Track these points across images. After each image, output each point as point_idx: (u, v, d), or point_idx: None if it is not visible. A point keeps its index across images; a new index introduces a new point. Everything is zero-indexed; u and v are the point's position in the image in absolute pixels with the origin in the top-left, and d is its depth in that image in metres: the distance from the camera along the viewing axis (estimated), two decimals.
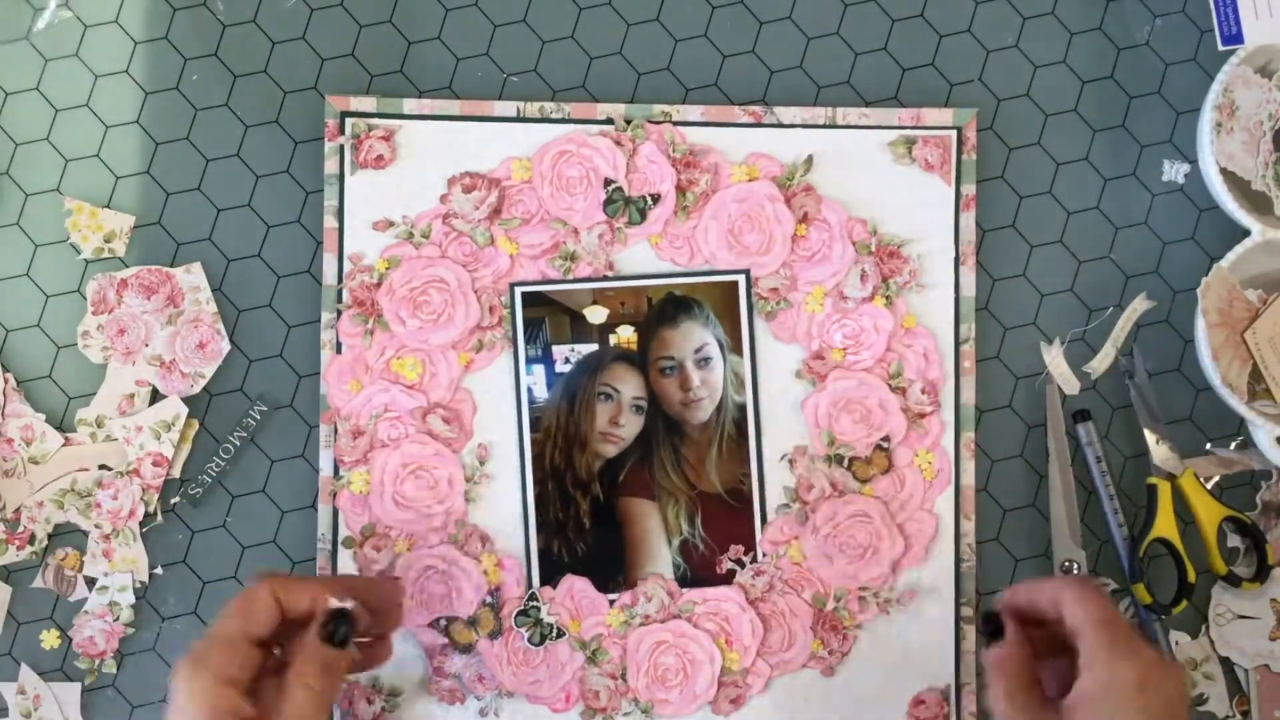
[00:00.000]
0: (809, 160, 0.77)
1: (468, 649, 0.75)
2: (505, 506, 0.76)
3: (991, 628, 0.64)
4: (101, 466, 0.76)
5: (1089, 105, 0.80)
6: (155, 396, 0.76)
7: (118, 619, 0.75)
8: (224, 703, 0.58)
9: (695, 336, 0.76)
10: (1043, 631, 0.63)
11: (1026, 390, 0.79)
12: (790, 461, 0.77)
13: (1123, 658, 0.59)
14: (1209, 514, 0.76)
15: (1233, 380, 0.74)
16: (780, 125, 0.78)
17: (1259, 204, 0.77)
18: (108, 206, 0.77)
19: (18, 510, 0.75)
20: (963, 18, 0.80)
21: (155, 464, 0.75)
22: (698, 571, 0.76)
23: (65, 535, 0.76)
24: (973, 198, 0.78)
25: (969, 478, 0.77)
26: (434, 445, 0.75)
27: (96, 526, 0.75)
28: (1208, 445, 0.79)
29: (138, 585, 0.75)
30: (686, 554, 0.76)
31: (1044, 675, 0.63)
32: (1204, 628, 0.78)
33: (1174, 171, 0.80)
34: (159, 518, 0.76)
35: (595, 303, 0.76)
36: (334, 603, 0.63)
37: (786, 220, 0.76)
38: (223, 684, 0.59)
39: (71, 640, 0.75)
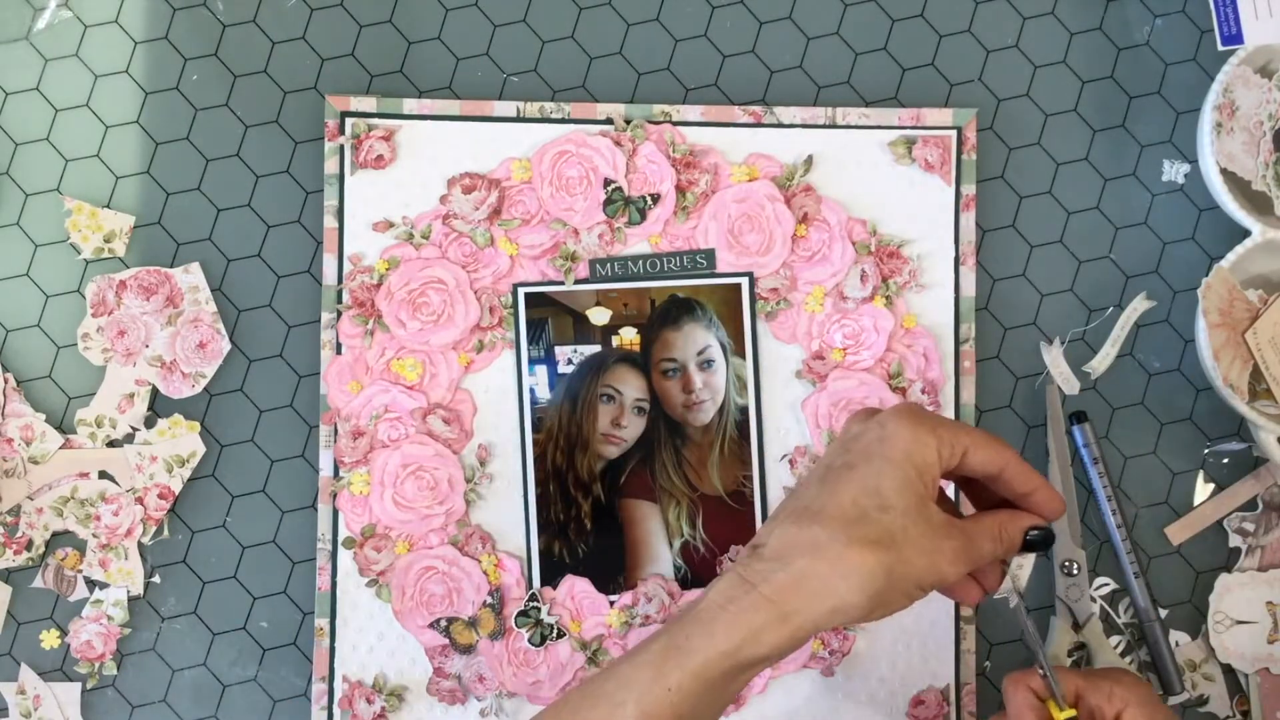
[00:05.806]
0: (809, 160, 0.77)
1: (468, 649, 0.75)
2: (506, 507, 0.76)
3: None
4: (103, 474, 0.76)
5: (1089, 105, 0.80)
6: (155, 397, 0.76)
7: (112, 620, 0.75)
8: (930, 453, 0.59)
9: (698, 338, 0.76)
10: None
11: (1026, 390, 0.79)
12: (790, 462, 0.77)
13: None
14: None
15: (1233, 380, 0.74)
16: (780, 125, 0.77)
17: (1259, 204, 0.77)
18: (108, 206, 0.77)
19: (16, 515, 0.75)
20: (963, 18, 0.80)
21: (160, 496, 0.75)
22: (698, 573, 0.76)
23: (64, 537, 0.76)
24: (973, 198, 0.78)
25: None
26: (434, 446, 0.75)
27: (94, 536, 0.75)
28: (1205, 449, 0.79)
29: (133, 597, 0.76)
30: (687, 556, 0.76)
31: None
32: (1203, 628, 0.78)
33: (1174, 171, 0.80)
34: (164, 532, 0.76)
35: (598, 304, 0.76)
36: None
37: (786, 220, 0.76)
38: (932, 439, 0.60)
39: (70, 645, 0.75)
